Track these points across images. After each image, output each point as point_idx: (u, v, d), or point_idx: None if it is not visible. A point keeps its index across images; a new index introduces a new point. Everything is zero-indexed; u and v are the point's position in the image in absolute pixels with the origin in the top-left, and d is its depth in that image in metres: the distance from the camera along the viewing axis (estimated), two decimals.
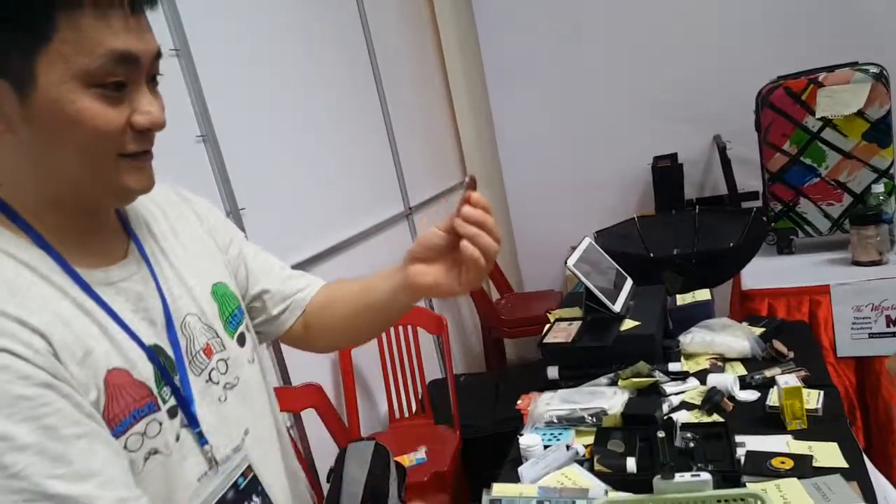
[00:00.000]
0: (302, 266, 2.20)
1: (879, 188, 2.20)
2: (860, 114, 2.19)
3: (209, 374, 0.78)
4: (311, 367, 2.23)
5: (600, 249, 2.06)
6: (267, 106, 2.12)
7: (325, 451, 2.08)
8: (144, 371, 0.69)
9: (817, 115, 2.25)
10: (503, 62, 3.71)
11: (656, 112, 3.45)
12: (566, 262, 1.81)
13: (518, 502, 1.11)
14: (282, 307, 0.95)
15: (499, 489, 1.21)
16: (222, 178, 1.85)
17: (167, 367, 0.72)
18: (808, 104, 2.26)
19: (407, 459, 2.26)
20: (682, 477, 1.02)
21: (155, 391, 0.69)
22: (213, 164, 1.83)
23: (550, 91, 3.65)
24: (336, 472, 1.86)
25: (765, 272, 2.28)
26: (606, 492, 1.18)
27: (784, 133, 2.32)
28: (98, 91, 0.62)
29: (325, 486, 1.85)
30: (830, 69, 2.26)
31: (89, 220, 0.72)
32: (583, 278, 1.80)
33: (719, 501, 1.02)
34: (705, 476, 1.01)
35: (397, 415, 2.53)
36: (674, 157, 3.35)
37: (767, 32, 3.16)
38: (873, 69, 2.18)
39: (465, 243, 0.78)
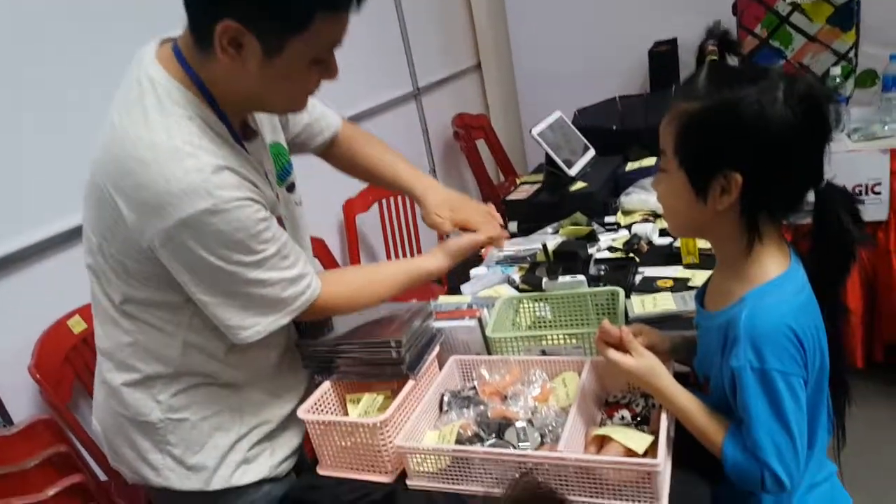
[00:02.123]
0: None
1: (837, 71, 2.37)
2: None
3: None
4: (320, 226, 2.60)
5: (569, 122, 2.32)
6: None
7: None
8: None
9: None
10: None
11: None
12: (530, 131, 2.09)
13: (452, 305, 1.47)
14: (310, 139, 1.30)
15: (442, 299, 1.57)
16: None
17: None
18: None
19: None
20: (563, 279, 1.35)
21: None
22: None
23: None
24: None
25: None
26: None
27: (757, 16, 2.48)
28: (312, 64, 0.92)
29: None
30: None
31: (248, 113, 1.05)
32: (543, 144, 2.08)
33: (591, 295, 1.35)
34: (580, 278, 1.35)
35: None
36: (673, 41, 3.47)
37: None
38: None
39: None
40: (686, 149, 0.91)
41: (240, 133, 1.01)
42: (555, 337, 1.23)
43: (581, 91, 3.73)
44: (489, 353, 1.30)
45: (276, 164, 1.13)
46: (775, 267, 0.91)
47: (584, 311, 1.38)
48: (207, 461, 1.09)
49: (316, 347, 1.20)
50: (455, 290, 1.73)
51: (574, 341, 1.21)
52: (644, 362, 0.97)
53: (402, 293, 1.19)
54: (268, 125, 1.13)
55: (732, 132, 0.85)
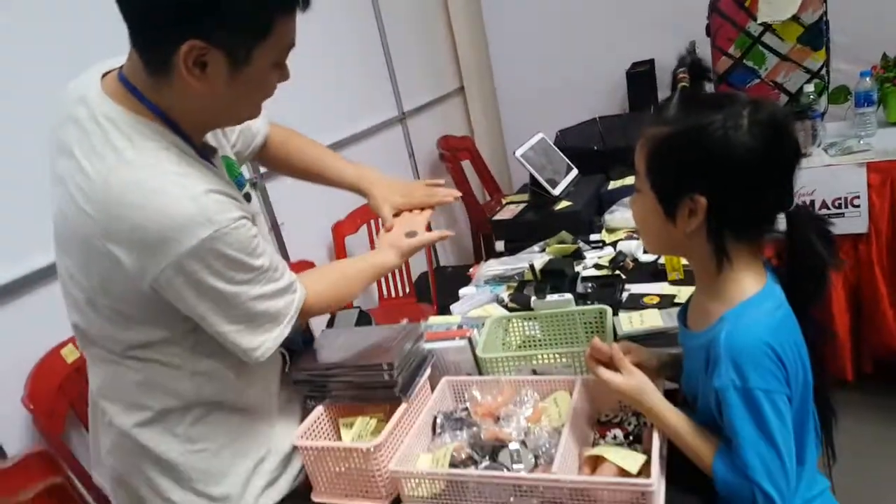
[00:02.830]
0: None
1: (810, 88, 2.43)
2: (795, 18, 2.40)
3: None
4: (307, 248, 2.61)
5: (551, 144, 2.37)
6: None
7: (319, 320, 2.49)
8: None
9: (758, 20, 2.46)
10: None
11: (636, 20, 3.61)
12: (514, 153, 2.13)
13: (442, 325, 1.48)
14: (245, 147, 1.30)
15: (432, 319, 1.59)
16: None
17: None
18: (750, 10, 2.47)
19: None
20: (551, 297, 1.38)
21: None
22: None
23: (544, 2, 3.81)
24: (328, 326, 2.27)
25: None
26: None
27: (729, 37, 2.54)
28: (273, 67, 0.93)
29: None
30: None
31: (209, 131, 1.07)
32: (528, 166, 2.12)
33: (580, 314, 1.37)
34: (568, 296, 1.37)
35: (385, 295, 2.94)
36: (651, 62, 3.55)
37: None
38: None
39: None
40: (655, 171, 0.94)
41: (202, 152, 1.02)
42: (545, 356, 1.25)
43: (561, 111, 3.79)
44: (480, 373, 1.31)
45: (230, 176, 1.14)
46: (751, 285, 0.94)
47: (573, 329, 1.40)
48: (232, 490, 1.10)
49: (309, 372, 1.21)
50: (444, 311, 1.75)
51: (564, 360, 1.23)
52: (634, 381, 0.99)
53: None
54: (213, 141, 1.14)
55: (697, 157, 0.89)
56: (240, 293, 0.97)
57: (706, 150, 0.88)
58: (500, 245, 2.11)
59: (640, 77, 3.42)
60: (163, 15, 0.84)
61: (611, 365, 1.02)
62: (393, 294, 2.95)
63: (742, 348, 0.88)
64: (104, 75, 0.97)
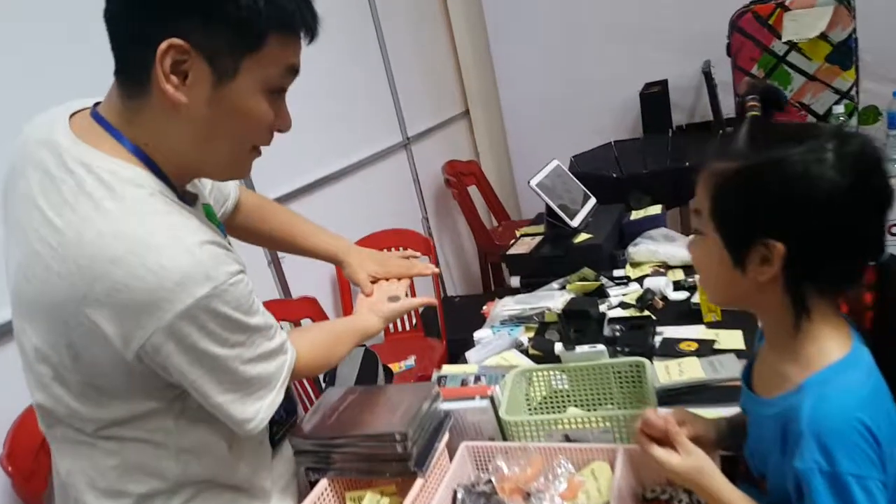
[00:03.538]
0: (302, 191, 2.43)
1: (840, 109, 2.31)
2: (823, 37, 2.28)
3: None
4: (309, 283, 2.47)
5: (567, 171, 2.23)
6: None
7: None
8: None
9: (783, 39, 2.34)
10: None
11: (647, 40, 3.50)
12: (528, 182, 1.99)
13: (458, 377, 1.33)
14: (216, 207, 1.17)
15: (447, 369, 1.44)
16: None
17: None
18: (774, 28, 2.35)
19: (397, 366, 2.52)
20: (581, 348, 1.23)
21: None
22: None
23: (549, 24, 3.70)
24: (330, 373, 2.12)
25: None
26: None
27: (752, 57, 2.42)
28: (269, 95, 0.82)
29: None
30: None
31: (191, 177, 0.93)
32: (544, 196, 1.98)
33: (613, 367, 1.23)
34: (601, 347, 1.22)
35: (391, 329, 2.79)
36: (664, 83, 3.43)
37: None
38: None
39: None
40: (722, 212, 0.81)
41: (185, 199, 0.89)
42: (579, 420, 1.09)
43: (571, 135, 3.67)
44: (503, 435, 1.16)
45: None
46: (835, 347, 0.79)
47: (606, 383, 1.25)
48: None
49: (311, 440, 1.06)
50: (454, 345, 1.60)
51: (602, 424, 1.08)
52: (693, 462, 0.84)
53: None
54: (192, 188, 1.00)
55: (773, 196, 0.75)
56: (235, 357, 0.83)
57: (784, 187, 0.74)
58: (514, 281, 1.96)
59: (654, 98, 3.30)
60: (142, 7, 0.75)
61: (664, 440, 0.87)
62: (399, 328, 2.80)
63: (830, 426, 0.74)
64: (72, 115, 0.84)
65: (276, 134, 0.89)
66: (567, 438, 1.10)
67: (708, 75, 3.18)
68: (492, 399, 1.16)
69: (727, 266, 0.81)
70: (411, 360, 2.55)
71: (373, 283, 1.24)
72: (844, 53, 2.29)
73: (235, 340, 0.82)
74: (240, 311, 0.81)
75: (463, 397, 1.18)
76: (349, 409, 1.10)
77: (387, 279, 1.25)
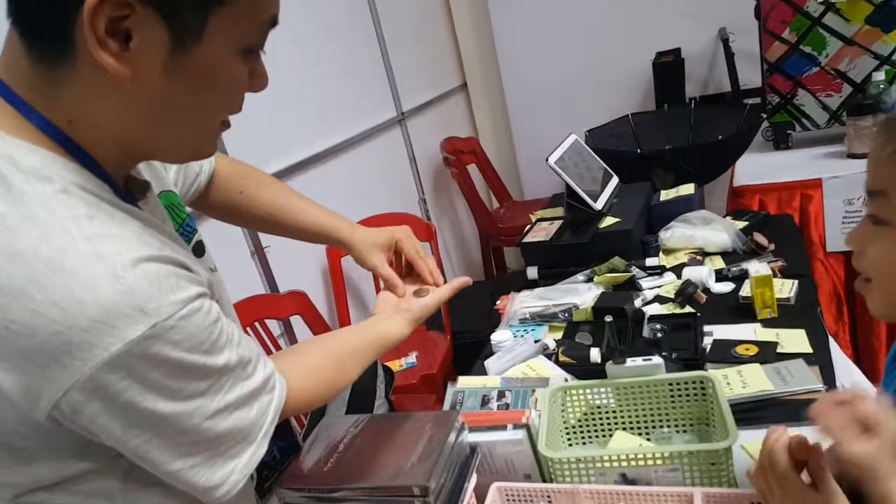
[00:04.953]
0: (292, 169, 2.18)
1: (880, 76, 2.08)
2: None
3: None
4: (299, 276, 2.24)
5: (586, 147, 2.01)
6: None
7: None
8: None
9: None
10: None
11: (656, 5, 3.26)
12: (547, 160, 1.77)
13: (478, 392, 1.12)
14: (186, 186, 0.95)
15: (463, 382, 1.22)
16: None
17: None
18: None
19: (398, 364, 2.31)
20: (633, 361, 1.02)
21: None
22: None
23: None
24: None
25: (758, 168, 2.21)
26: (567, 380, 1.19)
27: (784, 20, 2.19)
28: (244, 56, 0.60)
29: None
30: None
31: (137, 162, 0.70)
32: (563, 175, 1.76)
33: (670, 384, 1.02)
34: (657, 360, 1.01)
35: None
36: (677, 52, 3.20)
37: None
38: None
39: None
40: None
41: (124, 189, 0.65)
42: (640, 457, 0.88)
43: (578, 109, 3.43)
44: (542, 473, 0.95)
45: (174, 220, 0.78)
46: None
47: (661, 399, 1.04)
48: None
49: (304, 493, 0.84)
50: (458, 338, 1.37)
51: (669, 461, 0.87)
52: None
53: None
54: (146, 170, 0.78)
55: None
56: (193, 412, 0.60)
57: None
58: (532, 272, 1.74)
59: (668, 68, 3.06)
60: None
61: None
62: None
63: None
64: None
65: (249, 109, 0.66)
66: (624, 476, 0.90)
67: (725, 43, 2.96)
68: (527, 428, 0.95)
69: None
70: (413, 358, 2.34)
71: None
72: (888, 14, 2.07)
73: (193, 390, 0.60)
74: (197, 351, 0.58)
75: (492, 426, 0.96)
76: (353, 446, 0.89)
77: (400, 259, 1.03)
